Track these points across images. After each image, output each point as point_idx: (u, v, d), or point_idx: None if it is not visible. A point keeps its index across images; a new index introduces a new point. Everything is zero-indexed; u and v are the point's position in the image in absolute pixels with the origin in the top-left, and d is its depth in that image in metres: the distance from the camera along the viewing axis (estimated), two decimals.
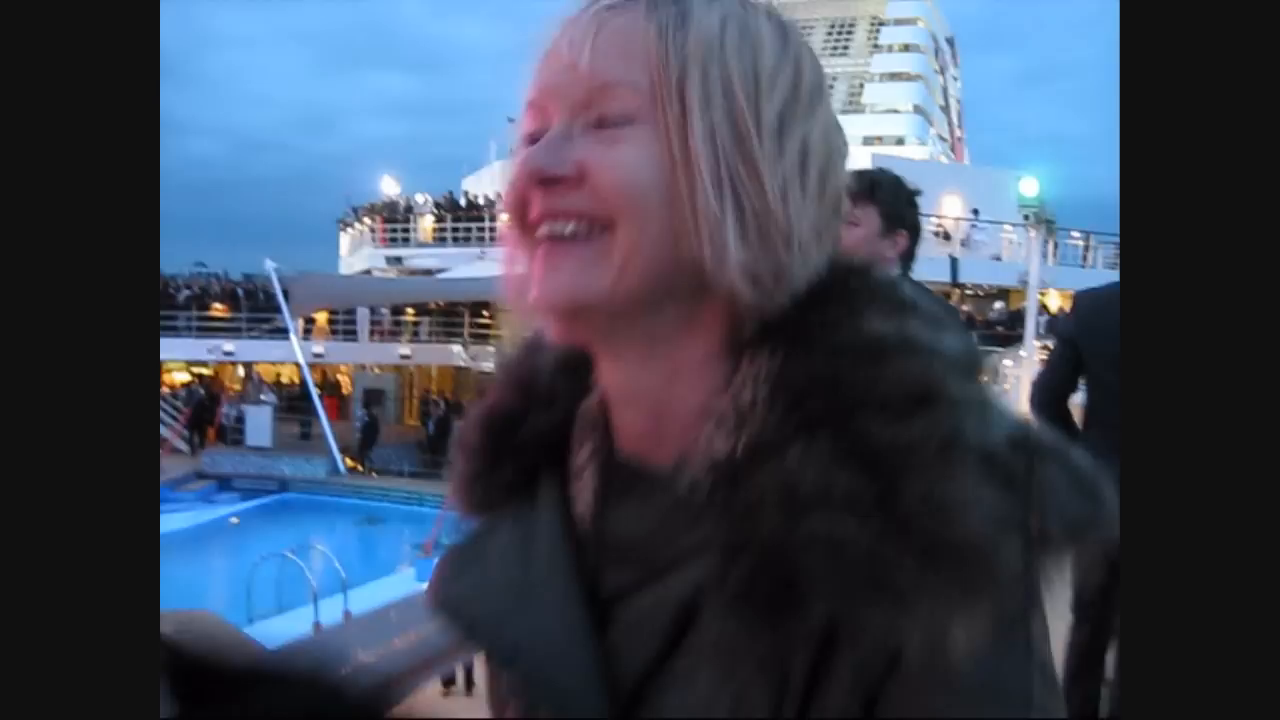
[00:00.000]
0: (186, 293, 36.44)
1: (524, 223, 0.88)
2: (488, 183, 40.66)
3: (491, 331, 31.79)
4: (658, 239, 0.83)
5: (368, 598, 16.91)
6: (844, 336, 0.82)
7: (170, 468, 26.28)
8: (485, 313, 32.39)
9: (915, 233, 3.56)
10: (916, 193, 3.59)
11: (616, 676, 0.85)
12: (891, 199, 3.47)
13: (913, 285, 3.50)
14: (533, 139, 0.88)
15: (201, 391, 32.60)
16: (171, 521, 22.77)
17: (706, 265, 0.82)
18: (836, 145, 0.91)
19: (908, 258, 3.51)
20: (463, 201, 38.32)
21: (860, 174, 3.56)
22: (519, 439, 1.00)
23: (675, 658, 0.83)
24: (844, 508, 0.74)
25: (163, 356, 33.38)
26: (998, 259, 31.47)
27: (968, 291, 30.15)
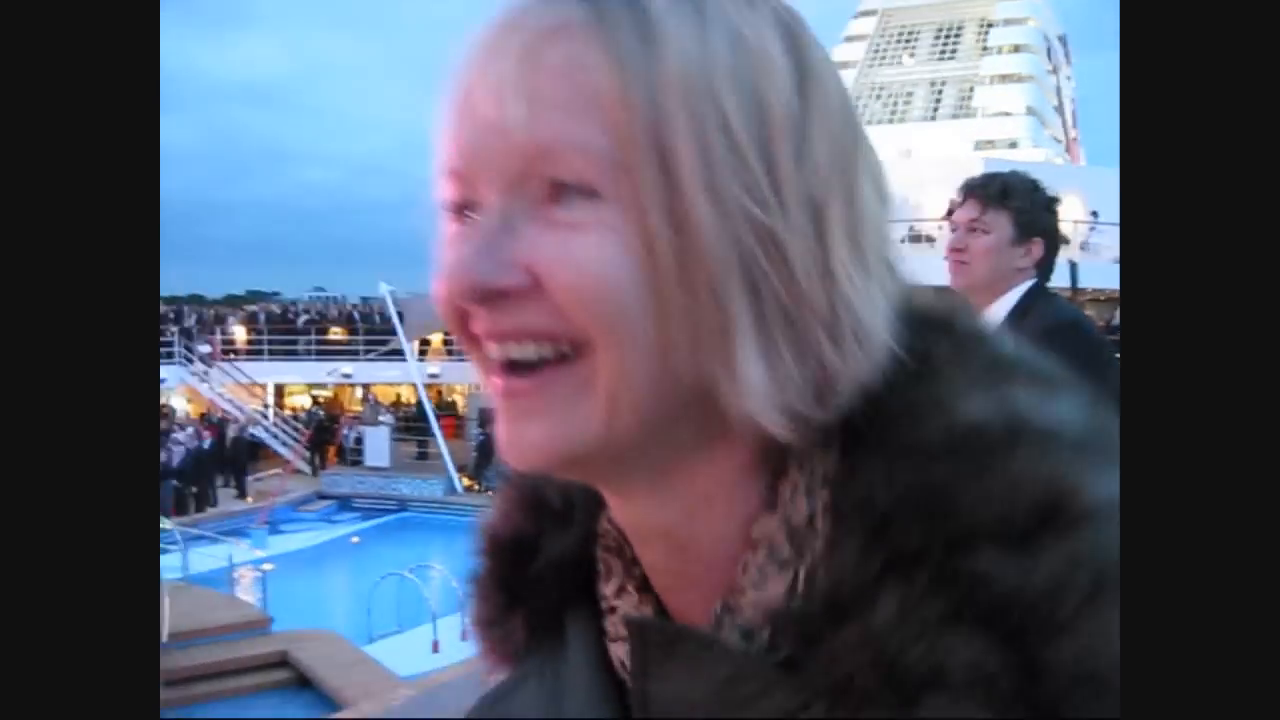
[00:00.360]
0: (305, 317, 37.30)
1: (468, 334, 0.67)
2: None
3: None
4: (652, 354, 0.61)
5: None
6: (933, 428, 0.61)
7: (292, 488, 26.90)
8: None
9: (1053, 241, 3.32)
10: (1055, 199, 3.37)
11: None
12: (1027, 204, 3.26)
13: (1049, 305, 3.31)
14: (458, 209, 0.67)
15: (321, 414, 33.29)
16: (294, 541, 23.32)
17: (718, 391, 0.62)
18: (879, 175, 0.69)
19: (1044, 268, 3.28)
20: None
21: (991, 177, 3.37)
22: (534, 571, 0.79)
23: None
24: (968, 694, 0.54)
25: (283, 379, 34.24)
26: (1119, 262, 30.63)
27: (1088, 297, 29.38)
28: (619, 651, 0.73)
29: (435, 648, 15.72)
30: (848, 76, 41.52)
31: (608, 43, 0.61)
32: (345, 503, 27.12)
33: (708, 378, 0.61)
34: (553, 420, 0.63)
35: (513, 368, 0.64)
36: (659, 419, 0.63)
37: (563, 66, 0.61)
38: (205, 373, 31.81)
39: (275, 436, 30.62)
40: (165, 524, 18.60)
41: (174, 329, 32.98)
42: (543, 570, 0.79)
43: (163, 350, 31.73)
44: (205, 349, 32.37)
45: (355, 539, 24.86)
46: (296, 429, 31.19)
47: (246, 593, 17.73)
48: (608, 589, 0.75)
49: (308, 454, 29.89)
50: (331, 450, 30.42)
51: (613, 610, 0.74)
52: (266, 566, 17.58)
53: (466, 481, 27.56)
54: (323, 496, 27.38)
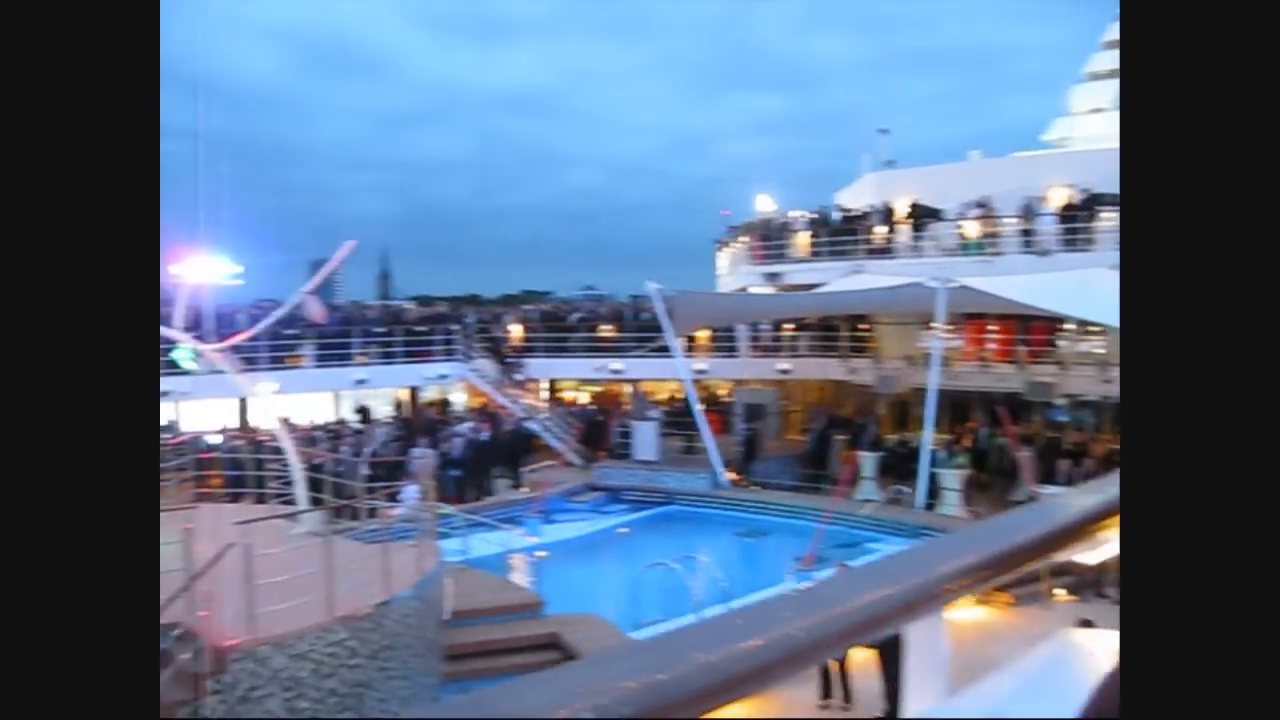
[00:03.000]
0: (577, 315, 38.46)
1: None
2: (861, 196, 40.31)
3: (868, 345, 31.49)
4: None
5: None
6: None
7: (565, 480, 27.82)
8: (862, 326, 32.12)
9: None
10: None
11: None
12: None
13: None
14: None
15: (594, 409, 34.22)
16: (566, 530, 24.11)
17: None
18: None
19: None
20: (837, 216, 38.22)
21: None
22: None
23: None
24: None
25: (556, 375, 35.39)
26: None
27: None
28: None
29: None
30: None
31: None
32: (615, 494, 27.85)
33: None
34: None
35: None
36: None
37: None
38: (482, 369, 33.32)
39: (548, 430, 31.73)
40: (448, 510, 19.64)
41: (455, 327, 34.66)
42: None
43: (444, 347, 33.46)
44: (520, 377, 33.73)
45: (623, 530, 25.51)
46: (570, 423, 32.17)
47: (521, 577, 18.52)
48: None
49: (580, 447, 30.78)
50: (602, 445, 31.19)
51: None
52: (540, 554, 18.29)
53: (731, 476, 27.79)
54: (593, 488, 28.19)
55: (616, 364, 33.94)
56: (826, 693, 12.82)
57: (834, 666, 12.69)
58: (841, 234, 36.21)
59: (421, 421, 31.02)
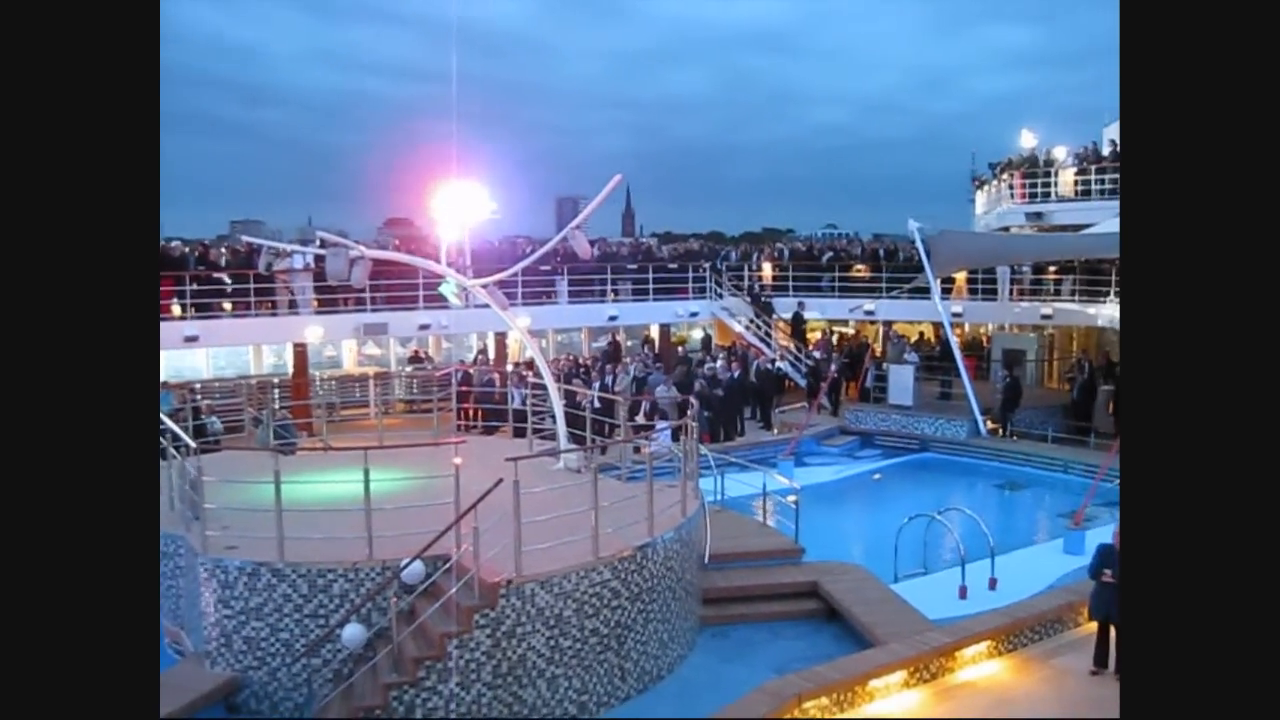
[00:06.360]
0: (829, 254, 37.71)
1: None
2: None
3: None
4: None
5: (1014, 566, 16.48)
6: None
7: (816, 422, 27.36)
8: None
9: None
10: None
11: None
12: None
13: None
14: None
15: (854, 347, 33.49)
16: (817, 474, 23.74)
17: None
18: None
19: None
20: (1106, 151, 36.01)
21: None
22: None
23: None
24: None
25: (806, 314, 34.82)
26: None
27: None
28: None
29: (963, 593, 15.43)
30: None
31: None
32: (867, 439, 27.25)
33: None
34: None
35: None
36: None
37: None
38: (733, 307, 33.18)
39: (798, 370, 31.30)
40: (702, 450, 19.55)
41: (706, 265, 34.60)
42: None
43: (696, 285, 33.51)
44: (771, 316, 33.36)
45: (877, 476, 24.97)
46: (817, 363, 31.57)
47: (774, 520, 18.29)
48: None
49: (829, 390, 30.18)
50: (854, 387, 30.47)
51: None
52: (791, 499, 17.99)
53: (990, 425, 26.74)
54: (845, 432, 27.63)
55: (869, 305, 33.09)
56: (1102, 662, 12.01)
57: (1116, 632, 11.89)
58: (1113, 171, 34.11)
59: (672, 359, 31.07)
